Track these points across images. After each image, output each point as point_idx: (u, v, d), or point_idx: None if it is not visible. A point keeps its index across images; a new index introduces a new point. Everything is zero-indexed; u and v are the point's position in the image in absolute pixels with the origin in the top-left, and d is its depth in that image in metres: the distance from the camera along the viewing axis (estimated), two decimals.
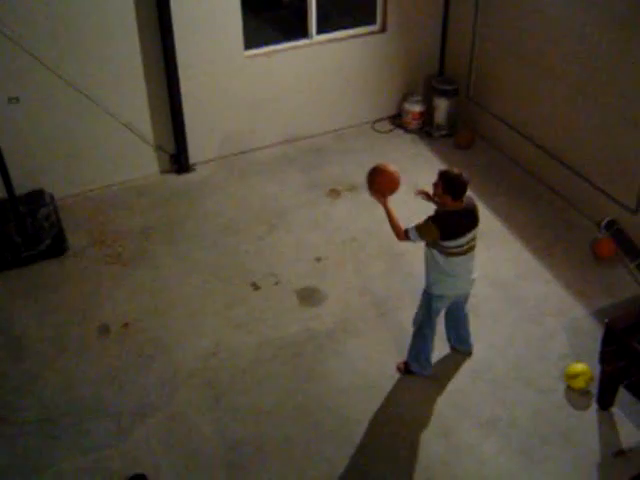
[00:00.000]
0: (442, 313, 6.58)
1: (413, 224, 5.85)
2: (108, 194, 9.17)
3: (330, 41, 9.91)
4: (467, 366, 6.80)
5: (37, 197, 8.49)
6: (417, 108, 10.45)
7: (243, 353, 6.95)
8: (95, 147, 8.98)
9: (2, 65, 8.00)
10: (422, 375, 6.64)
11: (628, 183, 7.99)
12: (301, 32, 9.77)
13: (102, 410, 6.37)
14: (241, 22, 9.09)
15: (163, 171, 9.62)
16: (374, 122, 10.77)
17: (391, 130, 10.65)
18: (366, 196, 8.97)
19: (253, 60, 9.47)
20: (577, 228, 8.53)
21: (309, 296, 7.61)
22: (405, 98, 10.63)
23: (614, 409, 6.31)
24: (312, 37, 9.80)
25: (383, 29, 10.18)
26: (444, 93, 10.30)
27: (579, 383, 6.45)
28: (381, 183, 5.97)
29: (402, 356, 6.75)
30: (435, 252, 5.89)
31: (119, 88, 8.74)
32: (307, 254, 8.19)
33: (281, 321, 7.30)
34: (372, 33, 10.18)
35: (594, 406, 6.37)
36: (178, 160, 9.53)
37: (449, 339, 6.90)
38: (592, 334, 6.96)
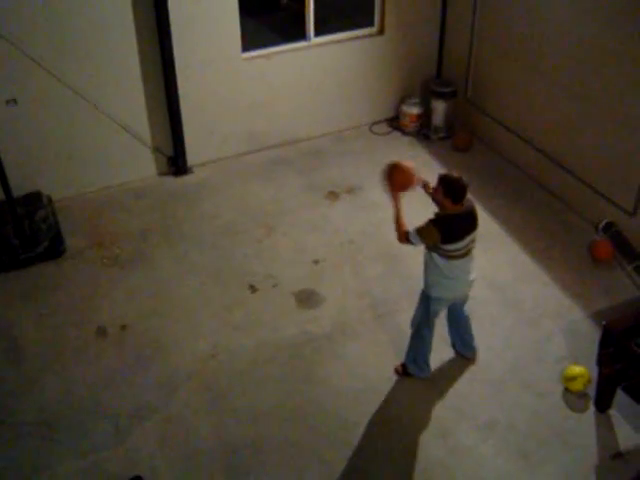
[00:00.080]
0: (444, 316, 6.59)
1: (414, 227, 5.85)
2: (106, 196, 9.17)
3: (328, 43, 9.91)
4: (465, 368, 6.80)
5: (35, 199, 8.50)
6: (415, 110, 10.46)
7: (241, 355, 6.94)
8: (93, 149, 8.98)
9: (0, 67, 7.99)
10: (420, 377, 6.64)
11: (626, 185, 8.00)
12: (299, 34, 9.77)
13: (100, 412, 6.37)
14: (239, 24, 9.09)
15: (161, 173, 9.61)
16: (372, 124, 10.78)
17: (389, 132, 10.65)
18: (364, 198, 9.06)
19: (251, 62, 9.47)
20: (575, 230, 8.54)
21: (307, 298, 7.61)
22: (403, 100, 10.64)
23: (612, 411, 6.31)
24: (310, 39, 9.80)
25: (381, 31, 10.19)
26: (442, 95, 10.31)
27: (577, 385, 6.46)
28: (398, 179, 5.96)
29: (400, 358, 6.75)
30: (435, 255, 5.89)
31: (117, 90, 8.74)
32: (305, 256, 8.18)
33: (279, 323, 7.30)
34: (370, 35, 10.19)
35: (592, 408, 6.38)
36: (176, 162, 9.53)
37: (453, 345, 6.91)
38: (590, 336, 6.96)
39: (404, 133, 10.59)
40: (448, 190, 5.67)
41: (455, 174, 5.74)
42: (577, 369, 6.49)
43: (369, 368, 6.80)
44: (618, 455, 5.97)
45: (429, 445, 6.08)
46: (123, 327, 7.25)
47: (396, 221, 5.97)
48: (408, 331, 6.59)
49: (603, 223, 8.24)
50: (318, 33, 9.82)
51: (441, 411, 6.38)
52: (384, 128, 10.75)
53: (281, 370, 6.79)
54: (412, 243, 5.91)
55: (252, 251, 8.27)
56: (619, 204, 8.15)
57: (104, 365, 6.83)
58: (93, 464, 5.94)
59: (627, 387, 6.04)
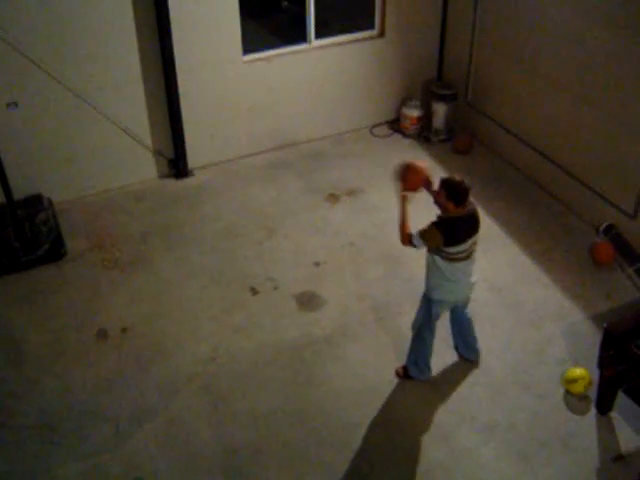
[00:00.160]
0: (445, 318, 6.58)
1: (416, 230, 5.85)
2: (106, 199, 9.17)
3: (329, 46, 9.93)
4: (466, 371, 6.79)
5: (35, 202, 8.50)
6: (415, 113, 10.47)
7: (242, 358, 6.94)
8: (93, 152, 8.98)
9: (1, 70, 8.00)
10: (421, 380, 6.64)
11: (626, 188, 8.00)
12: (300, 37, 9.79)
13: (101, 415, 6.36)
14: (240, 27, 9.10)
15: (162, 176, 9.62)
16: (372, 127, 10.78)
17: (389, 135, 10.66)
18: (365, 201, 9.06)
19: (252, 65, 9.48)
20: (575, 233, 8.54)
21: (308, 301, 7.61)
22: (403, 103, 10.65)
23: (613, 414, 6.31)
24: (311, 42, 9.81)
25: (381, 34, 10.20)
26: (442, 98, 10.32)
27: (578, 388, 6.45)
28: (411, 179, 5.98)
29: (401, 361, 6.75)
30: (437, 258, 5.89)
31: (118, 93, 8.75)
32: (306, 259, 8.18)
33: (280, 326, 7.30)
34: (370, 38, 10.20)
35: (593, 411, 6.37)
36: (177, 165, 9.54)
37: (456, 347, 6.91)
38: (591, 338, 6.96)
39: (405, 135, 10.59)
40: (451, 193, 5.68)
41: (457, 177, 5.74)
42: (578, 371, 6.48)
43: (370, 370, 6.80)
44: (619, 458, 5.96)
45: (430, 447, 6.08)
46: (124, 330, 7.25)
47: (401, 223, 5.97)
48: (409, 333, 6.58)
49: (604, 225, 8.24)
50: (319, 36, 9.83)
51: (442, 413, 6.38)
52: (385, 130, 10.76)
53: (282, 372, 6.78)
54: (415, 246, 5.91)
55: (253, 253, 8.27)
56: (620, 206, 8.15)
57: (105, 367, 6.83)
58: (94, 467, 5.93)
59: (628, 389, 6.03)
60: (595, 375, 6.30)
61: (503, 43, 9.46)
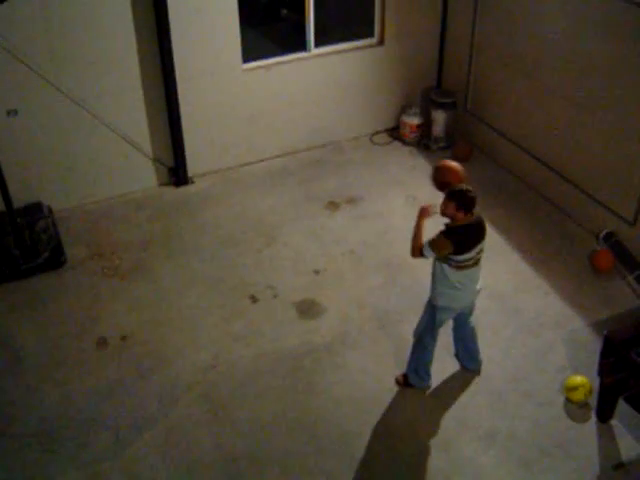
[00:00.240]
0: (447, 325, 6.57)
1: (426, 240, 5.85)
2: (106, 207, 9.17)
3: (328, 54, 9.94)
4: (466, 379, 6.79)
5: (35, 210, 8.51)
6: (415, 121, 10.48)
7: (242, 366, 6.93)
8: (93, 160, 8.99)
9: (1, 78, 8.02)
10: (421, 387, 6.63)
11: (626, 195, 8.00)
12: (299, 45, 9.80)
13: (100, 423, 6.35)
14: (239, 35, 9.12)
15: (161, 184, 9.62)
16: (372, 135, 10.79)
17: (389, 143, 10.66)
18: (364, 208, 9.06)
19: (251, 73, 9.49)
20: (575, 240, 8.54)
21: (308, 309, 7.60)
22: (403, 111, 10.66)
23: (614, 421, 6.30)
24: (310, 50, 9.83)
25: (381, 42, 10.22)
26: (442, 106, 10.33)
27: (578, 395, 6.44)
28: (451, 179, 5.96)
29: (401, 369, 6.75)
30: (445, 266, 5.89)
31: (117, 101, 8.76)
32: (306, 267, 8.18)
33: (280, 334, 7.29)
34: (370, 46, 10.22)
35: (593, 418, 6.36)
36: (176, 173, 9.54)
37: (457, 354, 6.90)
38: (591, 346, 6.95)
39: (404, 143, 10.60)
40: (460, 202, 5.69)
41: (464, 186, 5.75)
42: (578, 379, 6.47)
43: (370, 378, 6.79)
44: (620, 465, 5.95)
45: (430, 455, 6.07)
46: (123, 338, 7.24)
47: (415, 234, 5.94)
48: (409, 341, 6.58)
49: (603, 233, 8.25)
50: (318, 44, 9.85)
51: (442, 421, 6.37)
52: (384, 138, 10.77)
53: (282, 381, 6.77)
54: (425, 256, 5.90)
55: (252, 261, 8.27)
56: (619, 214, 8.15)
57: (104, 375, 6.82)
58: (93, 475, 5.92)
59: (628, 397, 6.02)
60: (595, 383, 6.30)
61: (502, 51, 9.48)
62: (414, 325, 6.52)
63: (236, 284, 7.93)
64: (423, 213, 5.93)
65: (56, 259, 8.10)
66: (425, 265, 6.13)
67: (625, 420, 6.27)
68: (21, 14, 7.80)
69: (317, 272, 8.10)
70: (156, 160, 9.42)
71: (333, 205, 9.22)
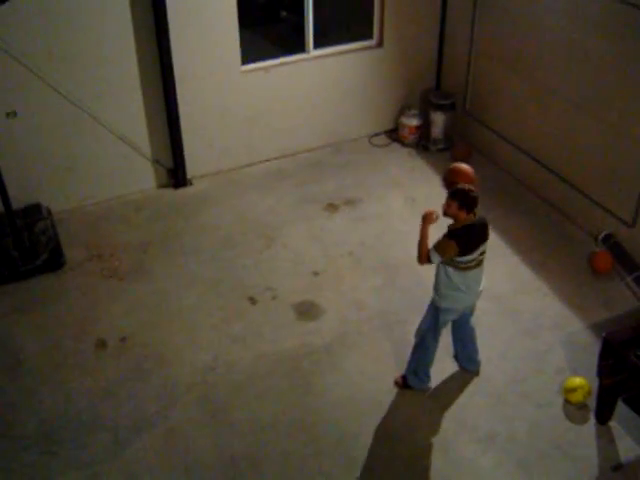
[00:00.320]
0: (448, 327, 6.57)
1: (431, 246, 5.84)
2: (105, 208, 9.17)
3: (327, 56, 9.95)
4: (465, 380, 6.79)
5: (34, 211, 8.50)
6: (414, 122, 10.48)
7: (241, 367, 6.93)
8: (92, 161, 8.99)
9: (0, 79, 8.01)
10: (420, 389, 6.63)
11: (625, 197, 8.01)
12: (298, 47, 9.80)
13: (99, 424, 6.35)
14: (238, 37, 9.12)
15: (160, 185, 9.62)
16: (371, 136, 10.80)
17: (388, 144, 10.67)
18: (363, 210, 9.06)
19: (250, 75, 9.50)
20: (574, 241, 8.55)
21: (307, 310, 7.61)
22: (402, 112, 10.67)
23: (612, 423, 6.30)
24: (309, 52, 9.83)
25: (380, 44, 10.23)
26: (441, 107, 10.34)
27: (577, 397, 6.45)
28: (462, 181, 5.94)
29: (400, 370, 6.75)
30: (449, 269, 5.89)
31: (116, 102, 8.76)
32: (305, 268, 8.18)
33: (279, 335, 7.29)
34: (369, 48, 10.23)
35: (592, 420, 6.37)
36: (175, 174, 9.54)
37: (455, 356, 6.91)
38: (590, 348, 6.96)
39: (403, 145, 10.61)
40: (462, 202, 5.68)
41: (466, 186, 5.74)
42: (577, 380, 6.48)
43: (369, 380, 6.79)
44: (619, 467, 5.95)
45: (429, 457, 6.07)
46: (122, 339, 7.24)
47: (421, 241, 5.91)
48: (408, 343, 6.58)
49: (602, 234, 8.25)
50: (317, 45, 9.85)
51: (441, 422, 6.37)
52: (383, 140, 10.78)
53: (281, 382, 6.78)
54: (433, 262, 5.90)
55: (252, 263, 8.27)
56: (618, 215, 8.16)
57: (103, 377, 6.82)
58: (92, 476, 5.92)
59: (627, 398, 6.02)
60: (594, 384, 6.30)
61: (501, 52, 9.49)
62: (413, 326, 6.52)
63: (235, 286, 7.93)
64: (427, 220, 5.89)
65: (55, 261, 8.10)
66: (424, 267, 6.11)
67: (624, 422, 6.27)
68: (20, 15, 7.79)
69: (316, 274, 8.10)
70: (155, 161, 9.42)
71: (332, 207, 9.23)
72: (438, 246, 5.79)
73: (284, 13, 10.51)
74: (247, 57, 9.39)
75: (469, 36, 9.93)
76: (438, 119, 10.36)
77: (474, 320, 6.63)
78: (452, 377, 6.83)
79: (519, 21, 9.03)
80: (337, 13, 10.56)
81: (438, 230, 5.86)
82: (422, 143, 10.57)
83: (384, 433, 6.28)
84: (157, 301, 7.73)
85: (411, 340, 6.54)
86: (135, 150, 9.17)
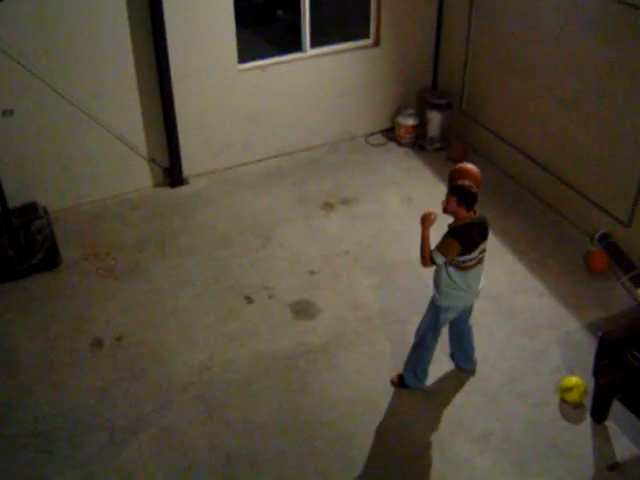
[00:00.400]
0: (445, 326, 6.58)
1: (433, 247, 5.83)
2: (101, 207, 9.16)
3: (324, 55, 9.94)
4: (461, 380, 6.79)
5: (30, 210, 8.49)
6: (410, 122, 10.48)
7: (237, 367, 6.93)
8: (89, 160, 8.98)
9: None
10: (417, 388, 6.63)
11: (621, 196, 8.02)
12: (295, 46, 9.80)
13: (95, 424, 6.34)
14: (235, 36, 9.12)
15: (157, 184, 9.61)
16: (368, 135, 10.80)
17: (384, 144, 10.67)
18: (359, 209, 9.06)
19: (247, 73, 9.49)
20: (570, 241, 8.55)
21: (303, 310, 7.60)
22: (398, 111, 10.67)
23: (608, 422, 6.31)
24: (306, 51, 9.83)
25: (376, 43, 10.23)
26: (437, 107, 10.34)
27: (573, 396, 6.45)
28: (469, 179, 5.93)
29: (396, 369, 6.75)
30: (450, 268, 5.88)
31: (113, 101, 8.75)
32: (301, 267, 8.18)
33: (275, 335, 7.29)
34: (365, 47, 10.23)
35: (588, 419, 6.37)
36: (172, 173, 9.53)
37: (452, 355, 6.90)
38: (586, 347, 6.97)
39: (400, 144, 10.61)
40: (461, 197, 5.67)
41: (466, 182, 5.73)
42: (573, 380, 6.48)
43: (365, 379, 6.79)
44: (615, 466, 5.96)
45: (425, 456, 6.07)
46: (118, 338, 7.23)
47: (423, 243, 5.88)
48: (404, 342, 6.58)
49: (598, 234, 8.26)
50: (314, 45, 9.85)
51: (437, 422, 6.37)
52: (380, 139, 10.78)
53: (277, 381, 6.77)
54: (436, 263, 5.90)
55: (248, 262, 8.27)
56: (614, 215, 8.17)
57: (99, 376, 6.81)
58: (88, 475, 5.91)
59: (623, 398, 6.03)
60: (590, 384, 6.30)
61: (498, 52, 9.49)
62: (410, 326, 6.52)
63: (231, 285, 7.93)
64: (426, 221, 5.87)
65: (51, 260, 8.09)
66: (420, 266, 6.10)
67: (620, 421, 6.28)
68: (16, 13, 7.78)
69: (312, 273, 8.10)
70: (151, 160, 9.42)
71: (328, 206, 9.22)
72: (441, 246, 5.78)
73: (281, 12, 10.52)
74: (244, 56, 9.39)
75: (466, 36, 9.93)
76: (434, 118, 10.37)
77: (472, 319, 6.63)
78: (448, 376, 6.84)
79: (515, 21, 9.03)
80: (334, 12, 10.56)
81: (440, 231, 5.85)
82: (418, 142, 10.57)
83: (380, 432, 6.28)
84: (153, 300, 7.72)
85: (408, 339, 6.54)
86: (131, 149, 9.17)
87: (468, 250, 5.76)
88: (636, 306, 7.56)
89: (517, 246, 8.45)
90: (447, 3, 10.21)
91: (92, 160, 9.00)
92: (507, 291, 7.80)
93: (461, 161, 9.94)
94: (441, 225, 5.85)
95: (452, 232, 5.79)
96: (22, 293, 7.81)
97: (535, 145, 9.22)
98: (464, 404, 6.55)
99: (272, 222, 8.91)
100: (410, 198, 9.29)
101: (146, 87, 8.87)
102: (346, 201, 9.30)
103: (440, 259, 5.81)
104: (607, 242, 8.17)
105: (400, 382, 6.66)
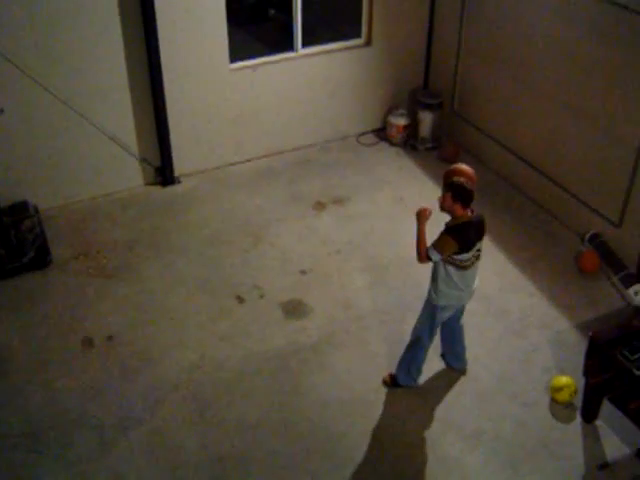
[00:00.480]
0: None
1: (431, 243, 5.84)
2: (92, 206, 9.14)
3: (315, 54, 9.94)
4: (452, 379, 6.80)
5: (21, 209, 8.44)
6: (402, 121, 10.49)
7: (228, 366, 6.92)
8: (80, 159, 8.96)
9: None
10: (410, 386, 6.63)
11: (612, 196, 8.05)
12: (287, 45, 9.80)
13: (86, 423, 6.33)
14: (227, 35, 9.11)
15: (148, 183, 9.59)
16: (359, 135, 10.80)
17: (376, 143, 10.68)
18: (351, 209, 9.07)
19: (239, 73, 9.48)
20: (561, 241, 8.58)
21: (294, 309, 7.60)
22: (390, 111, 10.68)
23: (598, 422, 6.33)
24: (297, 50, 9.82)
25: (368, 43, 10.23)
26: (429, 106, 10.35)
27: (563, 396, 6.47)
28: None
29: (387, 369, 6.76)
30: (449, 267, 5.87)
31: (104, 100, 8.73)
32: (292, 267, 8.18)
33: (266, 334, 7.29)
34: (357, 47, 10.23)
35: (578, 419, 6.39)
36: (163, 172, 9.52)
37: (443, 355, 6.91)
38: (576, 347, 6.98)
39: (391, 144, 10.61)
40: (456, 193, 5.66)
41: (462, 179, 5.73)
42: (563, 380, 6.50)
43: (356, 379, 6.79)
44: (605, 466, 5.98)
45: (416, 456, 6.08)
46: (109, 338, 7.22)
47: (418, 239, 5.90)
48: (396, 341, 6.60)
49: (589, 234, 8.29)
50: (305, 44, 9.84)
51: (428, 422, 6.38)
52: (371, 139, 10.78)
53: (268, 381, 6.77)
54: (432, 260, 5.90)
55: (239, 261, 8.26)
56: (605, 215, 8.19)
57: (90, 376, 6.79)
58: (78, 475, 5.90)
59: (613, 397, 6.05)
60: (581, 383, 6.32)
61: (490, 52, 9.51)
62: (401, 325, 6.54)
63: (222, 284, 7.92)
64: (421, 217, 5.89)
65: (42, 259, 8.06)
66: (412, 266, 6.12)
67: (610, 420, 6.30)
68: (7, 12, 7.76)
69: (304, 272, 8.10)
70: (143, 159, 9.40)
71: (320, 205, 9.23)
72: (437, 243, 5.79)
73: (272, 12, 10.52)
74: (235, 55, 9.37)
75: (457, 36, 9.95)
76: (426, 118, 10.38)
77: (463, 319, 6.64)
78: (439, 376, 6.85)
79: (508, 21, 9.05)
80: (325, 12, 10.57)
81: (438, 228, 5.84)
82: (410, 142, 10.58)
83: (371, 432, 6.28)
84: (144, 299, 7.71)
85: (399, 339, 6.55)
86: (123, 148, 9.14)
87: (465, 249, 5.76)
88: (626, 306, 7.58)
89: (508, 246, 8.47)
90: (439, 3, 10.21)
91: (83, 159, 8.98)
92: (498, 291, 7.82)
93: (452, 161, 9.94)
94: (438, 223, 5.85)
95: (449, 230, 5.78)
96: (12, 292, 7.79)
97: (526, 145, 9.24)
98: (454, 403, 6.56)
99: (263, 222, 8.90)
100: (401, 198, 9.30)
101: (137, 86, 8.85)
102: (337, 201, 9.30)
103: (436, 256, 5.81)
104: (597, 242, 8.20)
105: (392, 381, 6.66)
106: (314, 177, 9.82)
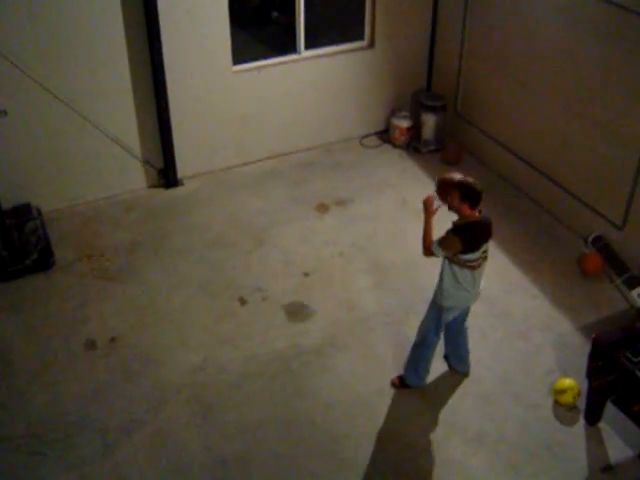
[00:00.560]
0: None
1: (436, 239, 5.84)
2: (95, 208, 9.14)
3: (318, 56, 9.94)
4: (455, 381, 6.79)
5: (24, 211, 8.48)
6: (405, 124, 10.48)
7: (230, 368, 6.92)
8: (83, 161, 8.96)
9: None
10: (419, 386, 6.62)
11: (614, 199, 8.03)
12: (289, 47, 9.79)
13: (89, 425, 6.33)
14: (229, 37, 9.11)
15: (151, 185, 9.59)
16: (362, 137, 10.79)
17: (379, 145, 10.67)
18: (354, 211, 9.06)
19: (242, 75, 9.48)
20: (564, 243, 8.56)
21: (297, 311, 7.60)
22: (393, 113, 10.67)
23: (602, 424, 6.32)
24: (300, 52, 9.82)
25: (371, 45, 10.23)
26: (432, 109, 10.33)
27: (567, 398, 6.46)
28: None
29: (391, 371, 6.76)
30: (456, 268, 5.87)
31: (107, 102, 8.73)
32: (295, 269, 8.17)
33: (269, 336, 7.28)
34: (360, 49, 10.22)
35: (582, 421, 6.38)
36: (166, 174, 9.52)
37: (446, 357, 6.90)
38: (579, 349, 6.97)
39: (394, 146, 10.61)
40: (463, 192, 5.65)
41: (470, 179, 5.72)
42: (567, 382, 6.49)
43: (359, 381, 6.79)
44: (608, 468, 5.97)
45: (419, 458, 6.07)
46: (112, 340, 7.22)
47: (425, 233, 5.93)
48: (399, 343, 6.59)
49: (592, 236, 8.27)
50: (308, 46, 9.84)
51: (431, 424, 6.37)
52: (374, 141, 10.78)
53: (270, 383, 6.77)
54: (435, 255, 5.90)
55: (242, 263, 8.26)
56: (608, 218, 8.18)
57: (93, 378, 6.79)
58: (81, 477, 5.90)
59: (617, 400, 6.03)
60: (584, 386, 6.31)
61: (493, 54, 9.50)
62: (404, 327, 6.53)
63: (225, 286, 7.92)
64: (427, 207, 5.90)
65: (45, 261, 8.07)
66: (415, 267, 6.11)
67: (613, 423, 6.28)
68: (8, 13, 7.77)
69: (306, 274, 8.10)
70: (145, 162, 9.40)
71: (323, 207, 9.22)
72: (442, 241, 5.78)
73: (275, 14, 10.52)
74: (239, 57, 9.37)
75: (460, 38, 9.94)
76: (429, 120, 10.36)
77: (467, 321, 6.63)
78: (442, 378, 6.84)
79: (510, 23, 9.04)
80: (328, 14, 10.56)
81: (447, 225, 5.84)
82: (413, 144, 10.57)
83: (374, 434, 6.28)
84: (147, 301, 7.71)
85: (402, 341, 6.55)
86: (126, 150, 9.15)
87: (470, 249, 5.75)
88: (629, 308, 7.57)
89: (511, 248, 8.46)
90: (442, 5, 10.21)
91: (86, 161, 8.98)
92: (501, 293, 7.81)
93: (456, 163, 10.02)
94: (447, 222, 5.84)
95: (455, 229, 5.77)
96: (15, 294, 7.79)
97: (529, 147, 9.23)
98: (458, 406, 6.55)
99: (266, 223, 8.90)
100: (404, 200, 9.29)
101: (140, 88, 8.86)
102: (340, 202, 9.30)
103: (439, 252, 5.82)
104: (601, 245, 8.18)
105: (401, 383, 6.66)
106: (317, 179, 9.82)
